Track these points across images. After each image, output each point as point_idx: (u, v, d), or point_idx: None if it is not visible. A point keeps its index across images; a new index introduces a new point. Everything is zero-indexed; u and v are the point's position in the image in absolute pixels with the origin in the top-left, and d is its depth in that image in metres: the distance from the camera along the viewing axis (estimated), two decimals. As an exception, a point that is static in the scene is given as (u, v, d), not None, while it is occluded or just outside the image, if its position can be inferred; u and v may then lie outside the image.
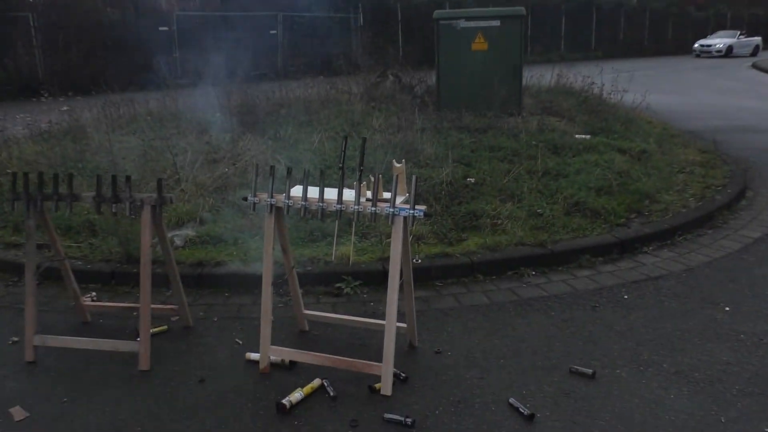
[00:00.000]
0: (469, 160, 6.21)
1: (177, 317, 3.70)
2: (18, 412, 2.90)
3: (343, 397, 2.89)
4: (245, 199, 3.15)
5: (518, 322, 3.59)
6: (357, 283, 4.07)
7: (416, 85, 9.86)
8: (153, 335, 3.49)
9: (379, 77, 10.17)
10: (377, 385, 2.93)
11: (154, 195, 3.17)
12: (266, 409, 2.82)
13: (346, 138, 3.16)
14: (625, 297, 3.86)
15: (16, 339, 3.52)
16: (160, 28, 16.98)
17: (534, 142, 6.78)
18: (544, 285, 4.09)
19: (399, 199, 3.01)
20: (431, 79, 9.52)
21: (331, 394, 2.90)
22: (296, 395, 2.86)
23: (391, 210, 2.93)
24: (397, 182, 2.97)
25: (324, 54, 15.25)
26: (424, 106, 8.58)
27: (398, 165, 3.16)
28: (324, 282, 4.11)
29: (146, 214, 3.18)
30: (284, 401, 2.80)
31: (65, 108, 8.15)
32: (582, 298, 3.86)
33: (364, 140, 3.19)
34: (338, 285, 4.06)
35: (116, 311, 3.77)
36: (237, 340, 3.47)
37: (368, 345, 3.37)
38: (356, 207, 2.99)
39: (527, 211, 5.03)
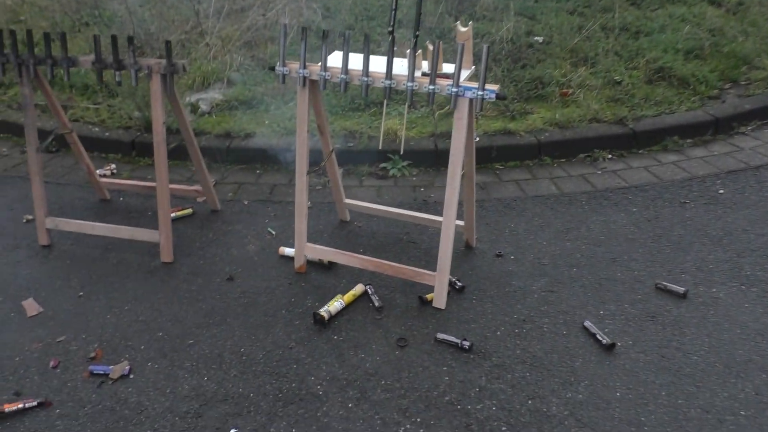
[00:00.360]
0: (533, 12, 5.34)
1: (203, 198, 3.31)
2: (31, 307, 2.63)
3: (390, 308, 2.51)
4: (272, 68, 2.58)
5: (593, 219, 3.08)
6: (405, 163, 3.56)
7: None
8: (177, 219, 3.13)
9: None
10: (429, 296, 2.53)
11: (163, 61, 2.62)
12: (302, 319, 2.47)
13: (398, -8, 2.48)
14: (721, 192, 3.27)
15: (30, 217, 3.20)
16: None
17: (610, -10, 5.79)
18: (622, 172, 3.51)
19: (464, 74, 2.40)
20: None
21: (376, 304, 2.52)
22: (336, 305, 2.49)
23: (454, 90, 2.34)
24: (462, 52, 2.34)
25: None
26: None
27: (463, 29, 2.50)
28: (368, 160, 3.61)
29: (156, 85, 2.65)
30: (322, 311, 2.44)
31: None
32: (668, 191, 3.30)
33: (421, -4, 2.51)
34: (383, 165, 3.57)
35: (137, 189, 3.38)
36: (269, 229, 3.08)
37: (417, 243, 2.94)
38: (409, 84, 2.40)
39: (603, 78, 4.31)
